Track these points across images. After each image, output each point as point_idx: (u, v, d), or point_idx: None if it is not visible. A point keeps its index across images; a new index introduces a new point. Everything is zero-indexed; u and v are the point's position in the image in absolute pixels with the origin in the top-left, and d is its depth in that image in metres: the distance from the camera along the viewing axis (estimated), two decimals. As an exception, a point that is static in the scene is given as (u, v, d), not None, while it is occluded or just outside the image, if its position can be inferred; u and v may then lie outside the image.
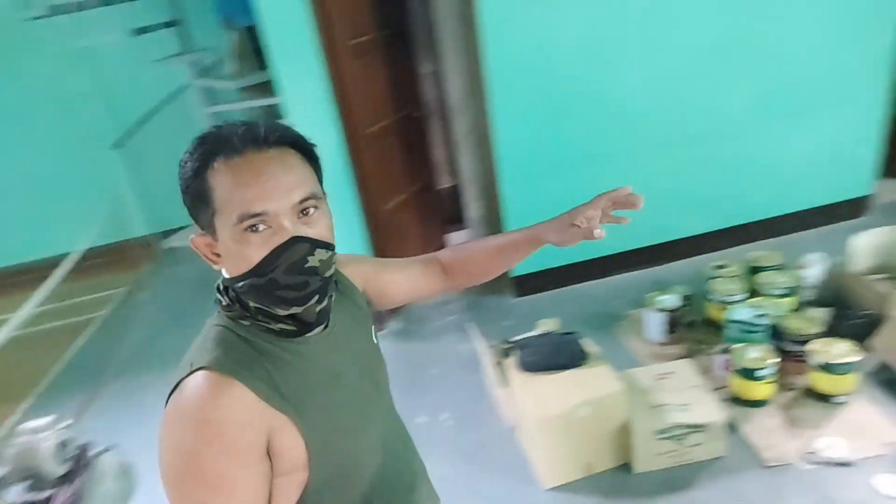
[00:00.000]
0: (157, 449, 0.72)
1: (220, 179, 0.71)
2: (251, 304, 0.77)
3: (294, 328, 0.79)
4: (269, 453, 0.74)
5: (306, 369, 0.80)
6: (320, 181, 0.80)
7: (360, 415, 0.86)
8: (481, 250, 1.09)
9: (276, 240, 0.72)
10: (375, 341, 0.97)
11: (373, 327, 0.97)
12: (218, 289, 0.81)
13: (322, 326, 0.81)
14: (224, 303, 0.79)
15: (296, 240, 0.72)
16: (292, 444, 0.75)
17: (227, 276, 0.78)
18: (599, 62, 2.69)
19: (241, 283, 0.75)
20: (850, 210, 3.20)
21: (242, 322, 0.78)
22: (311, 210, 0.75)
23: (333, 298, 0.84)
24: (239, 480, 0.71)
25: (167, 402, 0.74)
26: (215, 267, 0.80)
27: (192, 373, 0.73)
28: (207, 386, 0.71)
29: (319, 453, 0.77)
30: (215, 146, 0.72)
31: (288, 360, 0.78)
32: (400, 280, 1.07)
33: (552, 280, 3.05)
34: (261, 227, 0.71)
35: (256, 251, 0.72)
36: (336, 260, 0.79)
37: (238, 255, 0.73)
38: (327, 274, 0.77)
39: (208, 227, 0.75)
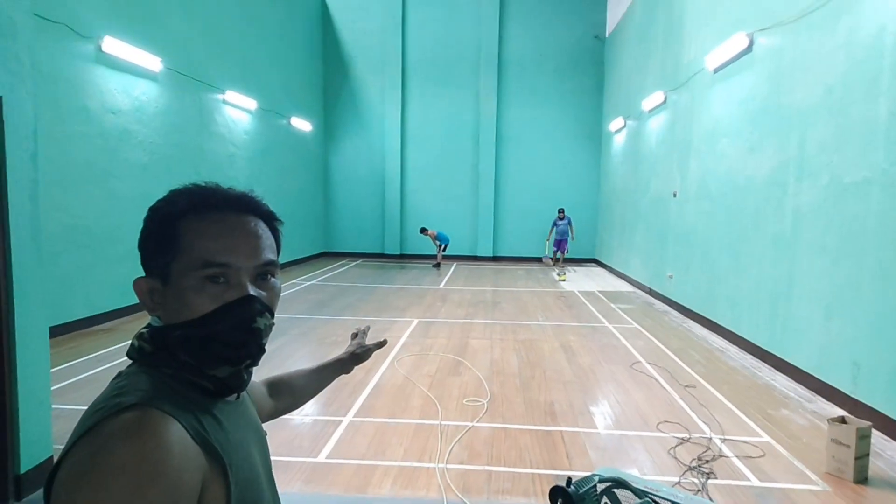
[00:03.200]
0: None
1: (192, 227, 0.75)
2: (181, 355, 0.75)
3: (213, 388, 0.77)
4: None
5: (224, 430, 0.76)
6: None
7: (262, 494, 0.83)
8: (300, 372, 1.27)
9: (231, 295, 0.73)
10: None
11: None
12: (142, 336, 0.77)
13: (236, 395, 0.81)
14: (148, 349, 0.76)
15: (250, 298, 0.74)
16: (216, 498, 0.70)
17: (157, 323, 0.77)
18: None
19: (177, 332, 0.73)
20: None
21: (165, 370, 0.75)
22: (269, 276, 0.79)
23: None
24: None
25: (60, 464, 0.63)
26: (150, 313, 0.78)
27: (114, 414, 0.64)
28: (143, 423, 0.64)
29: None
30: (197, 200, 0.76)
31: (212, 414, 0.75)
32: (259, 400, 1.10)
33: None
34: (220, 279, 0.73)
35: (206, 302, 0.73)
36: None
37: (186, 301, 0.73)
38: (264, 341, 0.78)
39: (160, 272, 0.75)
